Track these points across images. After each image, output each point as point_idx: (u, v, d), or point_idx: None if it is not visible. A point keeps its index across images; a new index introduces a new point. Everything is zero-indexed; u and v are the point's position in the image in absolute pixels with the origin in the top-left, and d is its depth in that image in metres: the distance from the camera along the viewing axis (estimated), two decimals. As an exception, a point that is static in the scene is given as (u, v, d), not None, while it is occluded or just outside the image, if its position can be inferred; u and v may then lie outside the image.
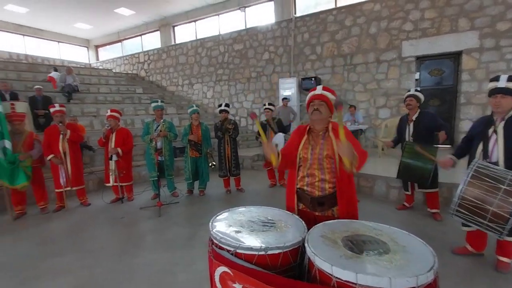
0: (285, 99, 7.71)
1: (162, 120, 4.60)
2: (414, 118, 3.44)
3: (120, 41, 14.41)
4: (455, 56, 6.73)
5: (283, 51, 9.00)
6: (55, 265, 2.72)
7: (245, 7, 10.07)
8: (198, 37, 11.30)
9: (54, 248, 3.10)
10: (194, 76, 11.14)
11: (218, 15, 10.93)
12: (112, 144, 4.39)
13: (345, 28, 7.87)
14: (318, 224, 1.41)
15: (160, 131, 4.46)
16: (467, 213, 1.92)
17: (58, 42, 14.38)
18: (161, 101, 4.72)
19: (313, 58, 8.45)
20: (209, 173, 4.89)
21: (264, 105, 5.12)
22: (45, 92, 7.16)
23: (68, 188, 4.28)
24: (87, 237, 3.38)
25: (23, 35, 13.06)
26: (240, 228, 1.39)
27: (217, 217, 1.55)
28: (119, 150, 4.36)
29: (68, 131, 4.16)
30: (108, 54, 15.22)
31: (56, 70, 9.29)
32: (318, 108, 1.72)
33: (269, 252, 1.19)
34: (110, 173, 4.49)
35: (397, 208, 3.89)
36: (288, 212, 1.67)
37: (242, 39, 9.77)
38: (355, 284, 0.93)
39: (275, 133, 4.88)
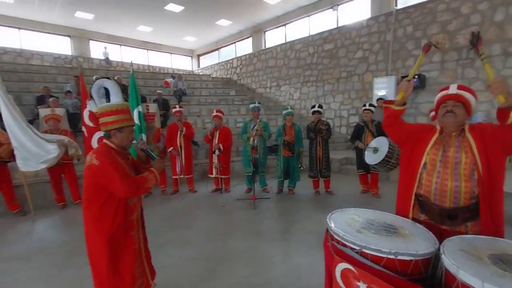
0: (381, 99, 7.13)
1: (258, 120, 4.95)
2: None
3: (217, 49, 16.10)
4: None
5: (379, 48, 8.33)
6: (176, 237, 3.31)
7: (337, 5, 9.77)
8: (287, 40, 11.59)
9: (174, 223, 3.77)
10: (281, 78, 11.48)
11: (308, 16, 10.95)
12: (216, 140, 5.00)
13: (461, 17, 6.71)
14: (452, 238, 1.30)
15: (257, 130, 4.81)
16: None
17: (171, 53, 17.13)
18: (258, 103, 5.09)
19: (416, 53, 7.52)
20: (300, 173, 4.99)
21: (364, 105, 4.87)
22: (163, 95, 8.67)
23: (182, 176, 5.10)
24: (197, 217, 3.98)
25: (148, 49, 16.10)
26: (360, 228, 1.41)
27: (332, 215, 1.60)
28: (221, 146, 4.93)
29: (184, 128, 4.95)
30: (207, 61, 17.22)
31: (173, 77, 11.20)
32: (452, 110, 1.53)
33: (399, 257, 1.18)
34: (213, 166, 5.11)
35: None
36: (408, 220, 1.58)
37: (333, 38, 9.51)
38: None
39: (374, 136, 4.59)
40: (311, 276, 2.44)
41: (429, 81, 7.23)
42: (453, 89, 1.58)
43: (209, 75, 14.90)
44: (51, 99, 5.68)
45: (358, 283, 1.23)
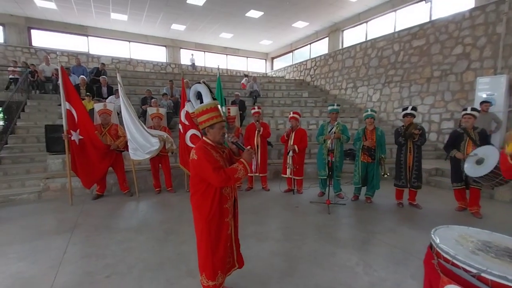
0: (485, 102, 6.02)
1: (336, 123, 4.80)
2: None
3: (291, 51, 16.21)
4: None
5: (485, 42, 7.03)
6: (256, 232, 3.49)
7: (432, -4, 8.65)
8: (368, 38, 10.85)
9: (252, 218, 3.97)
10: (359, 79, 10.82)
11: (395, 11, 10.02)
12: (291, 141, 5.06)
13: None
14: None
15: (335, 132, 4.67)
16: None
17: (247, 57, 18.06)
18: (337, 105, 4.93)
19: (541, 47, 6.07)
20: (379, 181, 4.64)
21: (465, 109, 4.23)
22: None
23: (257, 174, 5.34)
24: (273, 215, 4.12)
25: (227, 54, 17.37)
26: (475, 250, 1.25)
27: (437, 230, 1.46)
28: (296, 147, 4.96)
29: (262, 128, 5.17)
30: (280, 63, 17.51)
31: (246, 76, 11.87)
32: None
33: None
34: (287, 166, 5.19)
35: None
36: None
37: (425, 34, 8.46)
38: None
39: (476, 145, 3.94)
40: (397, 293, 2.25)
41: (561, 80, 5.74)
42: None
43: (282, 77, 15.12)
44: (152, 100, 6.72)
45: (474, 310, 1.09)
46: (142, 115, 7.02)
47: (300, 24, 12.53)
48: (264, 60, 18.72)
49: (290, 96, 11.53)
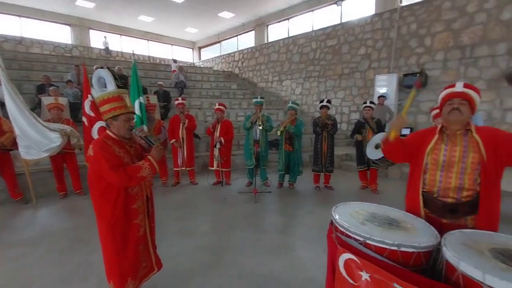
0: (382, 97, 7.15)
1: (261, 113, 4.94)
2: None
3: (219, 42, 15.98)
4: None
5: (382, 45, 8.30)
6: (180, 228, 3.36)
7: (342, 0, 9.69)
8: (290, 35, 11.51)
9: (177, 214, 3.81)
10: (284, 73, 11.44)
11: (312, 11, 10.87)
12: (217, 133, 5.01)
13: (466, 15, 6.69)
14: (453, 231, 1.34)
15: (259, 118, 4.75)
16: None
17: (172, 45, 17.00)
18: (261, 97, 5.08)
19: (420, 51, 7.51)
20: (300, 167, 5.00)
21: (365, 102, 4.90)
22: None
23: (183, 168, 5.13)
24: (199, 209, 4.03)
25: (148, 40, 15.97)
26: (364, 221, 1.45)
27: (336, 208, 1.64)
28: (222, 139, 4.94)
29: (187, 120, 4.96)
30: (208, 53, 17.10)
31: (175, 61, 11.28)
32: (458, 107, 1.56)
33: (402, 249, 1.21)
34: (214, 159, 5.14)
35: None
36: (410, 214, 1.62)
37: (336, 34, 9.46)
38: (518, 297, 0.88)
39: (374, 132, 4.63)
40: (313, 268, 2.49)
41: (431, 79, 7.23)
42: (459, 87, 1.60)
43: (211, 67, 14.82)
44: (51, 88, 5.66)
45: (361, 273, 1.27)
46: (37, 106, 5.88)
47: (226, 15, 12.41)
48: (191, 49, 17.98)
49: (219, 88, 11.41)
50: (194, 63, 17.01)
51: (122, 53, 14.61)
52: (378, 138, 4.39)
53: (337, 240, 1.41)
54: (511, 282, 0.91)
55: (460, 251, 1.12)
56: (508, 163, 1.50)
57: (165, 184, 5.18)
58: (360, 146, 4.88)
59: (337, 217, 1.50)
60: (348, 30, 9.14)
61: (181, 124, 4.93)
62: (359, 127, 4.93)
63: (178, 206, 4.16)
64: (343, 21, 9.58)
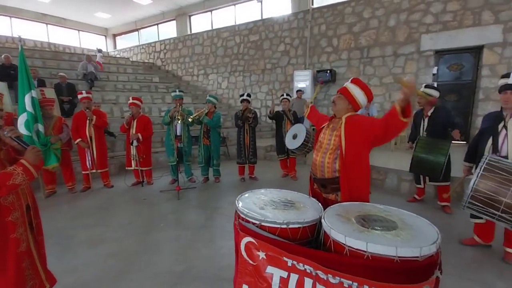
0: (299, 91, 7.77)
1: (181, 107, 4.76)
2: (429, 113, 3.48)
3: (137, 30, 14.66)
4: (476, 51, 6.57)
5: (299, 43, 8.98)
6: (89, 236, 3.01)
7: (262, -3, 10.04)
8: (214, 27, 11.38)
9: (86, 222, 3.40)
10: (209, 67, 11.28)
11: (234, 5, 10.94)
12: (133, 130, 4.64)
13: (363, 20, 7.78)
14: (334, 205, 1.56)
15: (178, 111, 4.56)
16: (480, 205, 2.01)
17: (79, 31, 14.78)
18: (180, 91, 4.90)
19: (329, 51, 8.41)
20: (215, 161, 4.99)
21: (282, 95, 5.24)
22: (68, 79, 7.49)
23: (94, 171, 4.58)
24: (115, 214, 3.68)
25: (47, 23, 13.49)
26: (263, 206, 1.56)
27: (242, 196, 1.72)
28: (140, 135, 4.61)
29: (94, 117, 4.42)
30: (125, 43, 15.53)
31: (100, 51, 10.29)
32: (335, 100, 1.85)
33: (290, 226, 1.36)
34: (132, 158, 4.75)
35: (408, 201, 3.98)
36: (305, 195, 1.82)
37: (258, 30, 9.79)
38: (365, 251, 1.09)
39: (292, 123, 5.00)
40: (232, 256, 2.55)
41: (339, 76, 8.20)
42: (347, 83, 1.86)
43: (128, 58, 13.50)
44: None
45: (258, 253, 1.37)
46: None
47: (142, 1, 11.43)
48: (104, 37, 16.02)
49: (138, 81, 10.51)
50: (108, 53, 15.21)
51: (13, 38, 11.98)
52: (295, 129, 4.78)
53: (239, 226, 1.48)
54: (363, 241, 1.11)
55: (333, 221, 1.32)
56: (372, 144, 1.79)
57: (72, 190, 4.54)
58: (280, 137, 5.22)
59: (239, 205, 1.57)
60: (268, 26, 9.55)
61: (87, 121, 4.37)
62: (278, 117, 5.26)
63: (89, 213, 3.71)
64: (264, 17, 9.96)
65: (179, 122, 4.43)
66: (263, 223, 1.38)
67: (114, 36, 15.97)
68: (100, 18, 13.77)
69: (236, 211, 1.59)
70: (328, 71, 8.10)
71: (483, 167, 1.94)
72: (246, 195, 1.77)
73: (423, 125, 3.54)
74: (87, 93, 4.50)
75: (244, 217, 1.47)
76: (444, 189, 3.51)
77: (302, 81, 8.52)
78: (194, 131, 5.54)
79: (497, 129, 2.28)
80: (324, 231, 1.32)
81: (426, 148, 3.16)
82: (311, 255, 1.23)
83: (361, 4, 7.74)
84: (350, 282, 1.10)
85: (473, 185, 1.95)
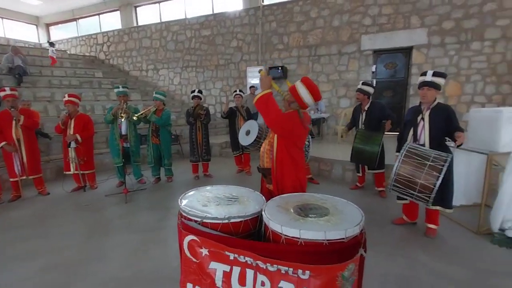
0: (252, 87, 7.87)
1: (126, 106, 4.47)
2: (366, 108, 3.83)
3: (75, 19, 13.25)
4: (407, 51, 7.36)
5: (251, 39, 9.05)
6: (24, 249, 2.70)
7: (212, -9, 9.85)
8: (162, 20, 10.84)
9: (19, 234, 3.04)
10: (159, 61, 10.74)
11: (184, -3, 10.56)
12: (70, 130, 4.22)
13: (311, 20, 8.14)
14: (276, 197, 1.63)
15: (122, 108, 4.28)
16: (401, 187, 2.29)
17: (2, 18, 12.81)
18: (123, 86, 4.59)
19: (280, 48, 8.64)
20: (167, 160, 4.82)
21: (235, 91, 5.25)
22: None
23: (24, 177, 4.07)
24: (52, 223, 3.33)
25: (-44, 7, 11.44)
26: (207, 202, 1.56)
27: (186, 195, 1.70)
28: (78, 136, 4.21)
29: (22, 117, 3.91)
30: (61, 33, 13.92)
31: (52, 45, 9.43)
32: (284, 98, 1.98)
33: (232, 221, 1.38)
34: (70, 161, 4.33)
35: (351, 188, 4.34)
36: (251, 189, 1.86)
37: (210, 25, 9.61)
38: (299, 238, 1.16)
39: (245, 119, 5.04)
40: (181, 256, 2.51)
41: (290, 72, 8.50)
42: (297, 82, 1.94)
43: (65, 51, 12.15)
44: None
45: (201, 250, 1.37)
46: None
47: (80, -12, 10.37)
48: (35, 26, 14.16)
49: (78, 76, 9.54)
50: (40, 44, 13.50)
51: None
52: (248, 125, 4.84)
53: (181, 225, 1.46)
54: (297, 228, 1.19)
55: (273, 213, 1.38)
56: (293, 142, 1.89)
57: (-1, 201, 3.98)
58: (234, 133, 5.23)
59: (182, 203, 1.55)
60: (220, 21, 9.43)
61: (13, 122, 3.85)
62: (231, 114, 5.26)
63: (22, 224, 3.30)
64: (215, 12, 9.79)
65: (123, 120, 4.15)
66: (205, 220, 1.39)
67: (48, 25, 14.22)
68: (29, 4, 12.12)
69: (179, 210, 1.56)
70: (280, 68, 8.33)
71: (403, 153, 2.22)
72: (191, 193, 1.75)
73: (362, 118, 3.87)
74: (11, 89, 3.95)
75: (186, 215, 1.46)
76: (380, 176, 3.90)
77: (255, 77, 8.62)
78: (144, 129, 5.25)
79: (416, 120, 2.61)
80: (265, 223, 1.38)
81: (363, 140, 3.47)
82: (251, 247, 1.28)
83: (308, 4, 8.09)
84: (286, 268, 1.17)
85: (396, 169, 2.21)
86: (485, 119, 2.83)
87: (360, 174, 4.19)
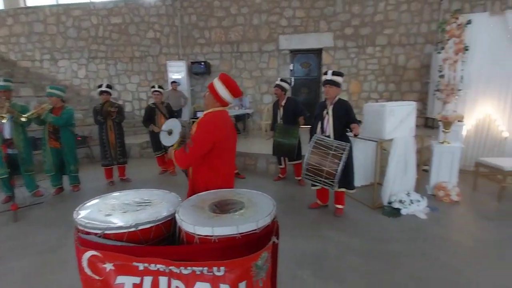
0: (174, 82, 7.47)
1: (9, 103, 3.63)
2: (283, 103, 4.08)
3: None
4: (318, 52, 8.17)
5: (169, 31, 8.54)
6: None
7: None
8: (60, 2, 9.21)
9: None
10: (58, 50, 9.11)
11: (87, -22, 9.18)
12: None
13: (231, 16, 8.19)
14: (192, 196, 1.57)
15: (8, 107, 3.48)
16: (312, 175, 2.52)
17: None
18: (5, 80, 3.72)
19: (202, 42, 8.43)
20: (73, 166, 4.16)
21: (153, 87, 4.86)
22: None
23: None
24: None
25: None
26: (111, 211, 1.39)
27: (85, 205, 1.47)
28: None
29: None
30: None
31: None
32: (204, 95, 1.91)
33: (140, 228, 1.26)
34: None
35: (274, 180, 4.59)
36: (167, 191, 1.74)
37: (121, 12, 8.63)
38: (212, 236, 1.14)
39: (166, 118, 4.73)
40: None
41: (213, 68, 8.40)
42: (215, 79, 1.86)
43: None
44: None
45: (104, 265, 1.21)
46: None
47: None
48: None
49: None
50: None
51: None
52: (170, 124, 4.55)
53: (78, 241, 1.26)
54: (210, 226, 1.16)
55: (186, 213, 1.32)
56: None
57: None
58: (154, 132, 4.86)
59: (78, 216, 1.33)
60: (132, 9, 8.58)
61: None
62: (150, 113, 4.87)
63: None
64: (126, -2, 8.85)
65: (4, 121, 3.36)
66: (107, 231, 1.22)
67: None
68: None
69: (75, 225, 1.34)
70: (203, 63, 8.14)
71: (312, 145, 2.45)
72: (93, 202, 1.53)
73: (280, 113, 4.12)
74: None
75: (83, 229, 1.26)
76: (298, 166, 4.24)
77: (177, 72, 8.20)
78: (38, 131, 4.37)
79: (323, 114, 2.93)
80: (179, 224, 1.30)
81: (282, 133, 3.71)
82: (163, 253, 1.19)
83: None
84: (201, 268, 1.13)
85: (306, 160, 2.43)
86: (374, 112, 3.38)
87: (282, 166, 4.47)
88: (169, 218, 1.37)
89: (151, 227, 1.29)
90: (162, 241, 1.35)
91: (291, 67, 8.22)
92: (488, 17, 4.41)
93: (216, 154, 1.81)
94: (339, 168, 2.38)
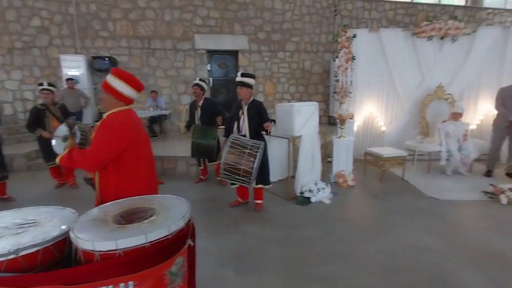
0: (70, 79, 6.42)
1: None
2: (200, 104, 4.03)
3: None
4: (234, 54, 8.38)
5: (62, 20, 7.28)
6: None
7: None
8: None
9: None
10: None
11: None
12: None
13: (139, 9, 7.57)
14: (92, 209, 1.39)
15: None
16: (230, 174, 2.58)
17: None
18: None
19: (105, 35, 7.50)
20: None
21: (41, 84, 4.05)
22: None
23: None
24: None
25: None
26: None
27: None
28: None
29: None
30: None
31: None
32: (101, 97, 1.72)
33: (22, 253, 1.04)
34: None
35: (195, 182, 4.49)
36: (60, 207, 1.49)
37: (-9, -9, 6.88)
38: (116, 250, 1.04)
39: (60, 121, 4.01)
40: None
41: (121, 64, 7.58)
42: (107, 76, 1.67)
43: None
44: None
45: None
46: None
47: None
48: None
49: None
50: None
51: None
52: (66, 129, 3.88)
53: None
54: (113, 240, 1.05)
55: (84, 229, 1.16)
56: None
57: None
58: (45, 139, 4.06)
59: None
60: (7, -11, 6.95)
61: None
62: (38, 115, 4.06)
63: None
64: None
65: None
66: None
67: None
68: None
69: None
70: (107, 59, 7.25)
71: (229, 145, 2.52)
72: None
73: (197, 114, 4.05)
74: None
75: None
76: (218, 166, 4.26)
77: (74, 67, 7.05)
78: None
79: (238, 115, 3.04)
80: (74, 244, 1.13)
81: (200, 134, 3.66)
82: (56, 278, 1.02)
83: (134, -9, 7.47)
84: (104, 287, 1.02)
85: (224, 159, 2.48)
86: (285, 112, 3.70)
87: (202, 167, 4.41)
88: (61, 238, 1.18)
89: (37, 250, 1.08)
90: (54, 265, 1.15)
91: (208, 67, 8.18)
92: (368, 33, 5.40)
93: (130, 157, 1.65)
94: (255, 166, 2.51)
